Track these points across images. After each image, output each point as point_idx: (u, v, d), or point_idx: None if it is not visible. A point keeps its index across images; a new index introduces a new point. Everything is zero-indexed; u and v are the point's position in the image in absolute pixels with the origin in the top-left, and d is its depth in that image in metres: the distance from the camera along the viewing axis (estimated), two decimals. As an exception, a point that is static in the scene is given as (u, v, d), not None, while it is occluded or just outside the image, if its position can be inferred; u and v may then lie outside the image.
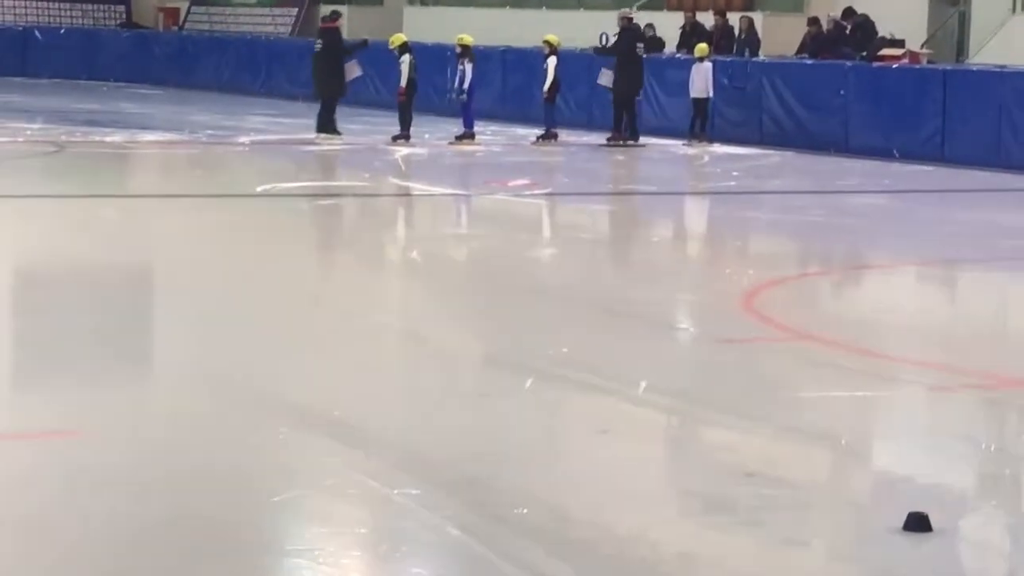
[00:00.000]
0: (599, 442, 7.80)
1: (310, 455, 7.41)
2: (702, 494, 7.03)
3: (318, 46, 25.01)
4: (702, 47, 25.47)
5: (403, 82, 24.40)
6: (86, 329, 10.26)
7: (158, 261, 13.60)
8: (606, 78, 24.88)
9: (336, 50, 24.70)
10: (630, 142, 24.69)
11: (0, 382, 9.08)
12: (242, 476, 6.96)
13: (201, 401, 8.41)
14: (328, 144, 23.95)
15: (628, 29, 25.17)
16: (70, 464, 7.09)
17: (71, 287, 11.97)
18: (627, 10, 25.87)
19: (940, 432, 8.38)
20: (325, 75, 24.57)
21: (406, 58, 24.50)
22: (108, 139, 23.83)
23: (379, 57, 30.12)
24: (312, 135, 24.44)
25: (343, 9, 38.83)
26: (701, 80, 24.97)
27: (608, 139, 24.77)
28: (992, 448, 8.03)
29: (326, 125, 24.48)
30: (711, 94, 25.00)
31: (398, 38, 25.12)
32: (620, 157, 23.93)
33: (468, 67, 24.74)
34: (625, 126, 24.89)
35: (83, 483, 6.78)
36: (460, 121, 24.89)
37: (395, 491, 6.74)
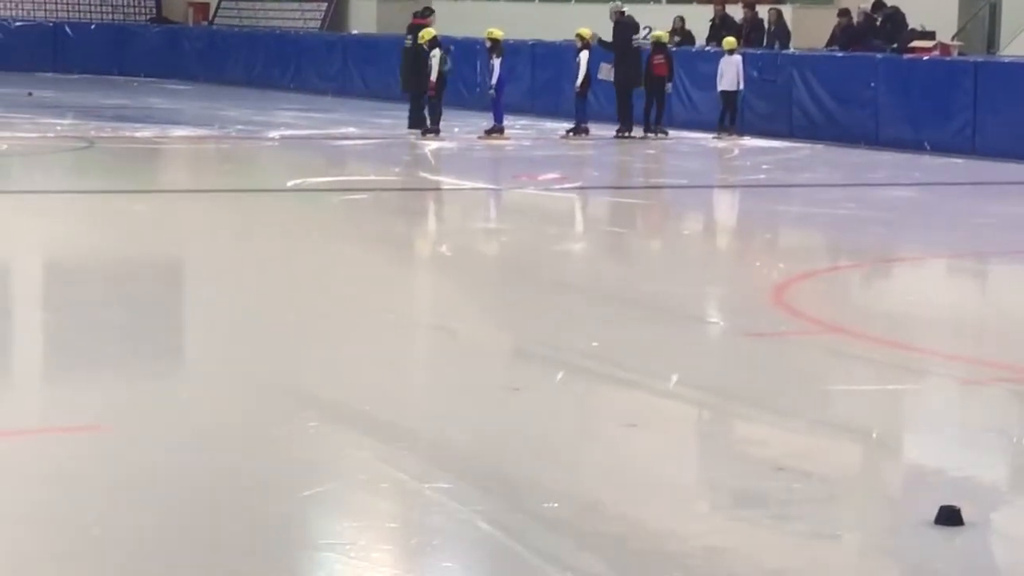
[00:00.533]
0: (628, 436, 7.80)
1: (341, 449, 7.42)
2: (732, 488, 7.02)
3: (408, 41, 24.93)
4: (730, 40, 25.46)
5: (433, 76, 24.35)
6: (116, 325, 10.30)
7: (188, 257, 13.64)
8: (605, 72, 24.92)
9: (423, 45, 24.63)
10: (631, 134, 24.74)
11: (30, 377, 9.12)
12: (272, 470, 6.98)
13: (231, 396, 8.43)
14: (421, 140, 23.87)
15: (621, 23, 25.19)
16: (99, 459, 7.12)
17: (101, 282, 12.01)
18: (618, 3, 25.81)
19: (971, 425, 8.36)
20: (414, 70, 24.50)
21: (436, 52, 24.46)
22: (138, 134, 23.91)
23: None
24: (407, 131, 24.41)
25: (373, 4, 39.12)
26: (731, 73, 24.94)
27: (617, 132, 24.82)
28: (1023, 441, 8.01)
29: (417, 121, 24.48)
30: (741, 87, 24.96)
31: (428, 32, 25.08)
32: (650, 151, 23.90)
33: (497, 62, 24.69)
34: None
35: (113, 478, 6.81)
36: (490, 115, 24.87)
37: (426, 485, 6.75)
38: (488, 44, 24.93)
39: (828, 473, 7.27)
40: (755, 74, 25.32)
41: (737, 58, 24.97)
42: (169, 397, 8.46)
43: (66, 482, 6.73)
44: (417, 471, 6.99)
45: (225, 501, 6.54)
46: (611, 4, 25.95)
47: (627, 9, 25.48)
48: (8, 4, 42.44)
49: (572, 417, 8.27)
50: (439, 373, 9.33)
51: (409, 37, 24.99)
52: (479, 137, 24.51)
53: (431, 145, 23.51)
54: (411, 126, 24.58)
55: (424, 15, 25.31)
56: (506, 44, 25.32)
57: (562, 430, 7.92)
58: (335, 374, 8.95)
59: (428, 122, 24.34)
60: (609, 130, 25.25)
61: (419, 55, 24.38)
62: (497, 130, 24.63)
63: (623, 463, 7.30)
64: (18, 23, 41.62)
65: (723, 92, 25.07)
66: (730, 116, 25.14)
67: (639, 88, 25.06)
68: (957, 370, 9.48)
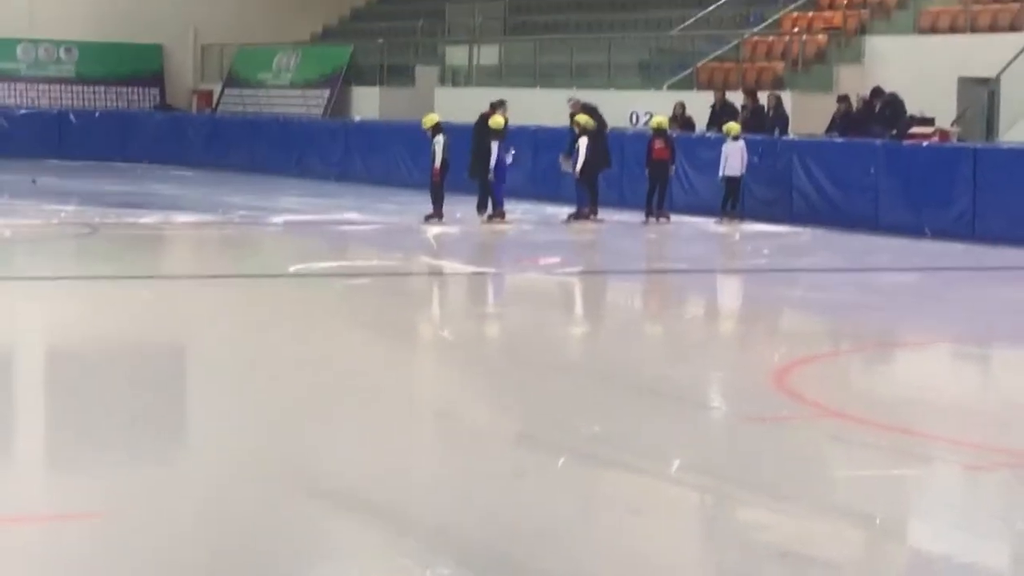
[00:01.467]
0: (632, 522, 7.78)
1: (344, 534, 7.40)
2: (736, 574, 7.00)
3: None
4: (734, 126, 25.53)
5: (437, 163, 24.49)
6: (120, 409, 10.29)
7: (192, 342, 13.65)
8: (566, 164, 25.13)
9: (482, 133, 24.80)
10: (595, 217, 24.89)
11: (35, 463, 9.10)
12: (275, 555, 6.96)
13: (234, 481, 8.42)
14: (423, 225, 24.02)
15: (588, 107, 25.44)
16: (102, 547, 7.10)
17: (105, 367, 12.02)
18: (572, 95, 26.06)
19: (975, 512, 8.33)
20: (476, 156, 24.79)
21: (440, 139, 24.58)
22: (142, 220, 23.98)
23: (412, 137, 30.37)
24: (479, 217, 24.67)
25: (376, 91, 39.37)
26: (735, 159, 25.03)
27: (571, 216, 24.98)
28: (1028, 527, 7.99)
29: (482, 204, 24.73)
30: (744, 172, 25.07)
31: (431, 119, 25.23)
32: (652, 235, 23.97)
33: (493, 146, 24.79)
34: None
35: (115, 567, 6.78)
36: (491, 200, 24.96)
37: (428, 570, 6.73)
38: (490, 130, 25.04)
39: (832, 558, 7.25)
40: (755, 159, 25.40)
41: (741, 143, 25.08)
42: (172, 482, 8.45)
43: (70, 571, 6.70)
44: (420, 556, 6.97)
45: (228, 588, 6.52)
46: (569, 99, 26.19)
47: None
48: (13, 92, 42.71)
49: (575, 503, 8.25)
50: (442, 458, 9.32)
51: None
52: (481, 222, 24.57)
53: (433, 230, 23.58)
54: (479, 210, 24.75)
55: (494, 107, 25.44)
56: (508, 129, 25.40)
57: (565, 516, 7.90)
58: (339, 459, 8.94)
59: (432, 207, 24.44)
60: (610, 215, 25.30)
61: (478, 140, 24.69)
62: (498, 214, 24.70)
63: (627, 549, 7.28)
64: (23, 111, 41.87)
65: (726, 178, 25.15)
66: (733, 201, 25.21)
67: (607, 170, 25.29)
68: (960, 455, 9.46)
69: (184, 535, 7.30)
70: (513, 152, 24.98)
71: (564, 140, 26.23)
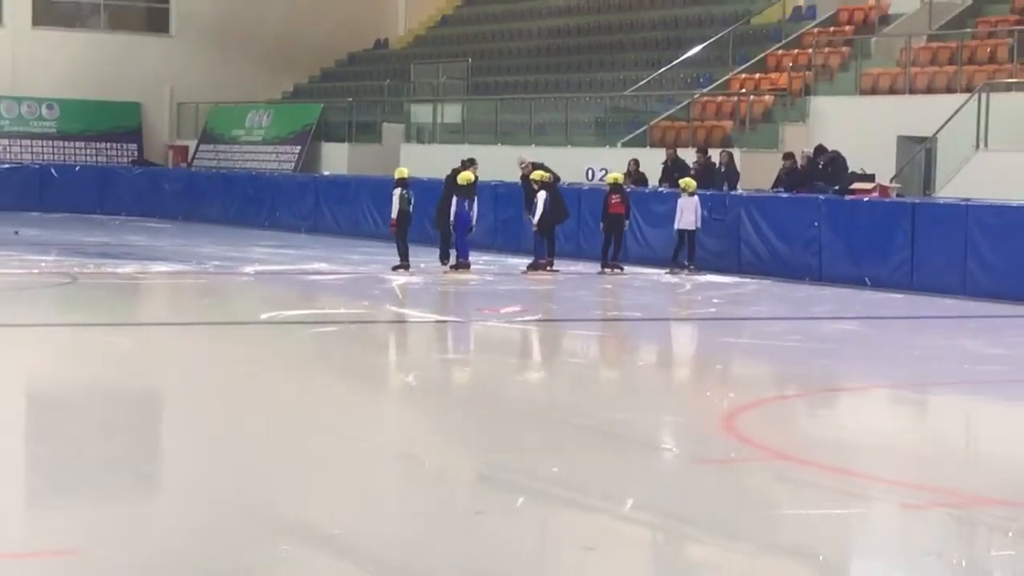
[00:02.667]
0: (587, 559, 7.78)
1: (312, 573, 7.37)
2: (686, 608, 6.99)
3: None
4: (689, 182, 25.59)
5: (394, 214, 24.64)
6: (96, 453, 10.24)
7: (167, 387, 13.60)
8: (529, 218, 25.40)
9: (450, 187, 24.92)
10: (551, 268, 25.03)
11: (12, 503, 9.04)
12: (246, 593, 6.93)
13: (205, 520, 8.38)
14: (390, 275, 24.00)
15: (539, 166, 25.68)
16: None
17: (83, 412, 11.96)
18: (522, 157, 26.32)
19: (912, 548, 8.36)
20: (440, 209, 24.98)
21: (398, 191, 24.72)
22: (119, 270, 23.90)
23: (378, 191, 30.39)
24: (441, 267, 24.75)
25: (344, 147, 39.40)
26: (690, 213, 25.11)
27: (529, 266, 25.10)
28: (962, 563, 8.01)
29: (444, 255, 24.92)
30: (699, 226, 25.16)
31: (401, 171, 25.33)
32: (607, 285, 24.02)
33: (454, 200, 24.87)
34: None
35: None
36: (455, 251, 25.00)
37: (392, 607, 6.71)
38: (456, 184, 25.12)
39: (777, 594, 7.25)
40: (706, 213, 25.50)
41: (696, 199, 25.18)
42: (146, 522, 8.40)
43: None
44: (384, 593, 6.94)
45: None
46: (520, 160, 26.32)
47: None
48: (-2, 146, 42.61)
49: (533, 541, 8.24)
50: (406, 499, 9.30)
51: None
52: (445, 272, 24.59)
53: (399, 279, 23.57)
54: (441, 260, 24.86)
55: (467, 165, 25.56)
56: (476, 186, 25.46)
57: (524, 553, 7.90)
58: (306, 499, 8.91)
59: (399, 258, 24.48)
60: (567, 266, 25.36)
61: (445, 193, 24.91)
62: (463, 265, 24.73)
63: (582, 585, 7.26)
64: (5, 165, 41.75)
65: (681, 230, 25.24)
66: (688, 253, 25.27)
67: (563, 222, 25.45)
68: (898, 495, 9.49)
69: (156, 571, 7.26)
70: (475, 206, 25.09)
71: (522, 196, 26.32)
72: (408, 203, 24.78)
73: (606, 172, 26.44)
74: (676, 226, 25.27)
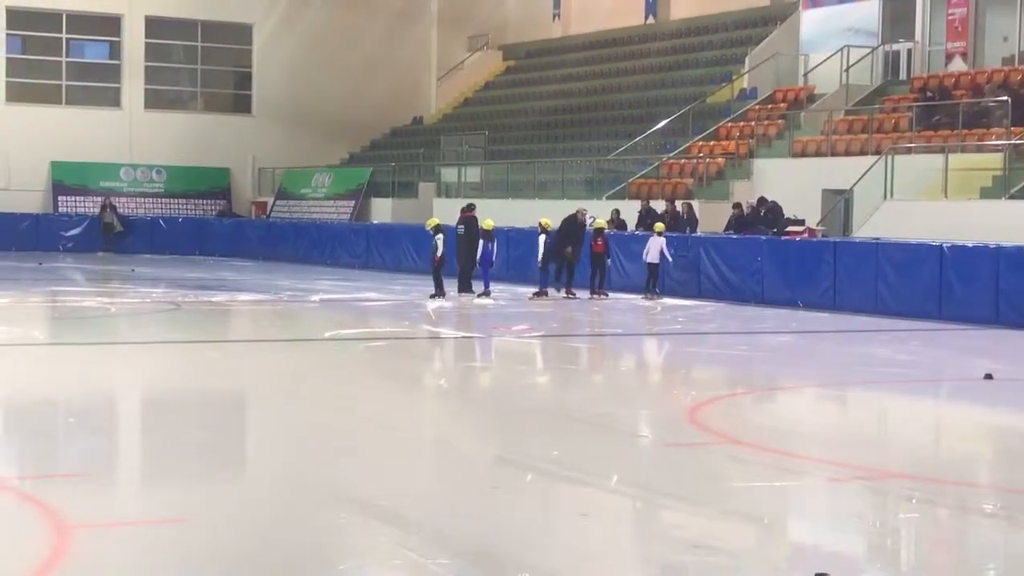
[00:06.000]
0: (581, 522, 7.76)
1: (365, 534, 7.37)
2: (660, 561, 6.98)
3: (460, 229, 24.97)
4: (660, 225, 25.71)
5: (438, 254, 24.59)
6: (195, 442, 10.25)
7: (250, 390, 13.60)
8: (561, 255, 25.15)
9: (473, 232, 24.79)
10: (571, 294, 24.95)
11: (129, 482, 9.05)
12: (313, 550, 6.93)
13: (280, 494, 8.38)
14: (470, 301, 23.89)
15: (579, 220, 25.44)
16: (179, 545, 7.06)
17: (185, 410, 11.97)
18: (583, 209, 26.23)
19: (837, 512, 8.34)
20: (465, 250, 24.69)
21: (440, 236, 24.68)
22: (213, 299, 23.91)
23: (416, 236, 30.41)
24: (458, 294, 24.46)
25: (389, 201, 39.45)
26: (655, 249, 25.12)
27: (534, 294, 25.02)
28: (877, 524, 7.99)
29: (464, 287, 24.67)
30: (669, 260, 25.11)
31: (432, 221, 25.28)
32: (595, 308, 23.98)
33: (481, 243, 24.81)
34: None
35: (188, 560, 6.74)
36: (481, 283, 24.94)
37: (430, 561, 6.70)
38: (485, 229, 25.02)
39: (733, 549, 7.24)
40: (673, 251, 25.48)
41: (662, 239, 25.16)
42: (235, 496, 8.40)
43: (152, 563, 6.65)
44: (423, 550, 6.94)
45: (278, 574, 6.47)
46: (580, 212, 26.06)
47: (573, 204, 25.66)
48: (117, 204, 42.60)
49: (539, 508, 8.23)
50: (437, 475, 9.29)
51: (461, 226, 25.12)
52: (472, 300, 24.54)
53: (433, 305, 23.55)
54: (460, 291, 24.67)
55: (470, 209, 25.50)
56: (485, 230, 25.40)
57: (531, 518, 7.88)
58: (360, 477, 8.91)
59: (435, 288, 24.45)
60: (564, 294, 25.34)
61: (469, 239, 24.61)
62: (485, 294, 24.70)
63: (577, 542, 7.26)
64: (128, 218, 41.85)
65: (648, 263, 25.24)
66: (653, 282, 25.27)
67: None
68: (825, 471, 9.46)
69: (243, 536, 7.26)
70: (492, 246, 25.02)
71: (530, 239, 26.29)
72: (446, 245, 24.71)
73: (594, 219, 26.41)
74: (644, 259, 25.31)
